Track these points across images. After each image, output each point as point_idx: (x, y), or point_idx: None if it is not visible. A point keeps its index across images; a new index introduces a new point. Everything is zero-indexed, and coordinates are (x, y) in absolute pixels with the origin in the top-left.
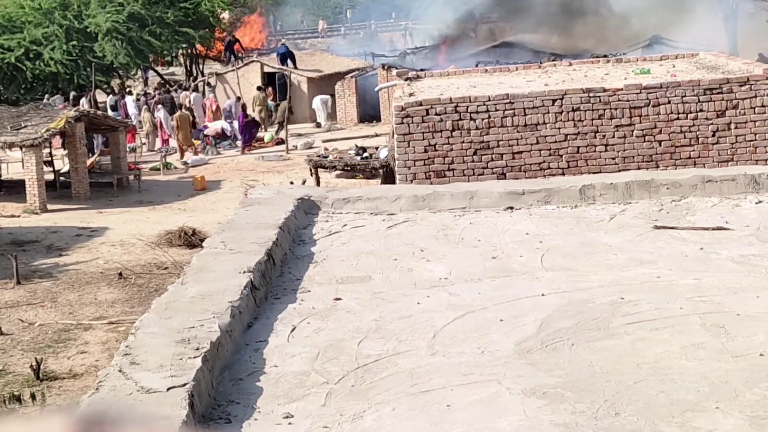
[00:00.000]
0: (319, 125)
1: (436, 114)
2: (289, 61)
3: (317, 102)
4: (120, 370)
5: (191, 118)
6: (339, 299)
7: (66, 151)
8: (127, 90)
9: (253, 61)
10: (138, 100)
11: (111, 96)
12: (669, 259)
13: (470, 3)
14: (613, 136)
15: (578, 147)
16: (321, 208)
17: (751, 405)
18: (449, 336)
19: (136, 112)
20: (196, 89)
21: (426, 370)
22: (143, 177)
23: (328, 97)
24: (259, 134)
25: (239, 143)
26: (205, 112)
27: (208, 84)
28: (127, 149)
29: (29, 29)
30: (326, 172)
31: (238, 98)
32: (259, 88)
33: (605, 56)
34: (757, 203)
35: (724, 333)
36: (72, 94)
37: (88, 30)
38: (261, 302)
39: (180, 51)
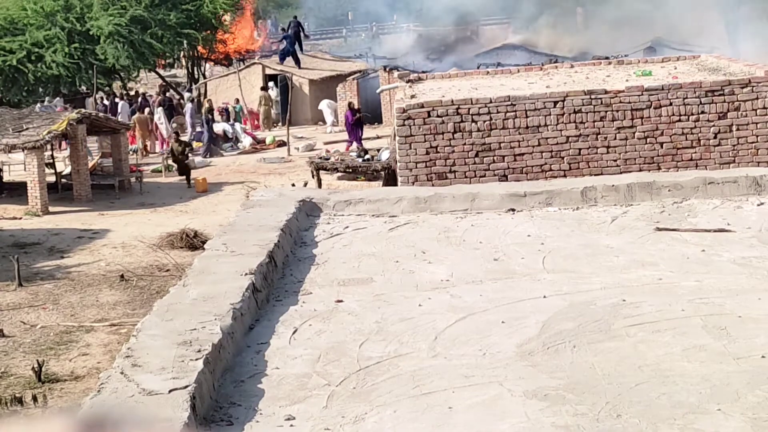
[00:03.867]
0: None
1: (438, 116)
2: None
3: (324, 105)
4: (122, 372)
5: (149, 121)
6: (340, 301)
7: (68, 153)
8: (127, 93)
9: (254, 63)
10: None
11: (105, 99)
12: (670, 261)
13: (472, 4)
14: (615, 138)
15: (580, 149)
16: (322, 210)
17: (752, 407)
18: (451, 338)
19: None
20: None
21: (427, 372)
22: (145, 179)
23: (336, 104)
24: (261, 136)
25: (240, 145)
26: (193, 118)
27: (189, 90)
28: (129, 151)
29: (31, 31)
30: (328, 174)
31: (237, 100)
32: (263, 88)
33: (606, 58)
34: (758, 205)
35: (725, 335)
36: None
37: (90, 33)
38: (262, 304)
39: (182, 53)
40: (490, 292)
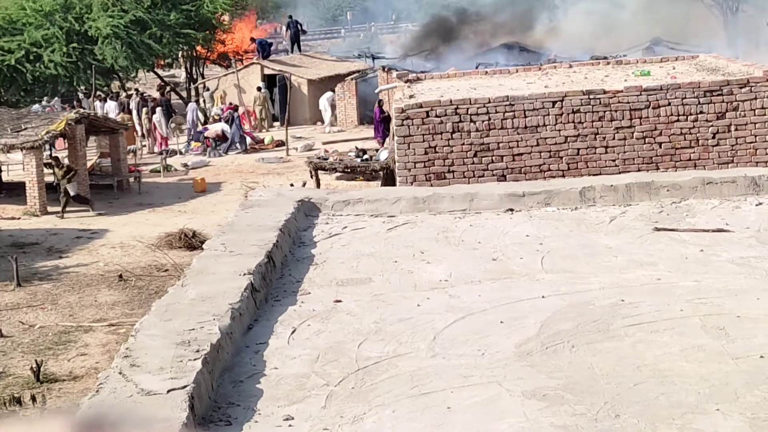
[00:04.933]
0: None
1: (437, 116)
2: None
3: (324, 102)
4: (120, 373)
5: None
6: (339, 301)
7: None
8: (110, 94)
9: (253, 63)
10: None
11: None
12: (669, 261)
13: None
14: (614, 138)
15: (578, 149)
16: (321, 210)
17: (751, 407)
18: (449, 338)
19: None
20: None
21: (426, 372)
22: (143, 179)
23: (332, 94)
24: (259, 136)
25: (239, 145)
26: (194, 118)
27: (207, 88)
28: (127, 151)
29: (29, 31)
30: (326, 174)
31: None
32: (259, 89)
33: (605, 58)
34: (757, 205)
35: (724, 335)
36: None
37: (89, 33)
38: (261, 304)
39: (180, 53)
40: (488, 292)
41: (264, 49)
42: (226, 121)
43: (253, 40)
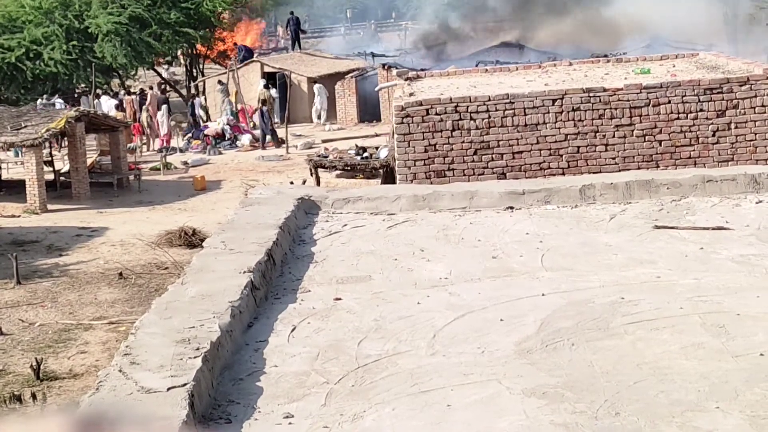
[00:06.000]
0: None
1: (437, 114)
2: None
3: (322, 97)
4: (120, 370)
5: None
6: (339, 299)
7: (66, 151)
8: (104, 90)
9: (253, 61)
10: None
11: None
12: (669, 259)
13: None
14: (614, 136)
15: (578, 147)
16: (321, 208)
17: (751, 405)
18: (449, 336)
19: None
20: (195, 91)
21: (426, 370)
22: (143, 177)
23: (322, 87)
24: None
25: (239, 143)
26: (199, 115)
27: (220, 82)
28: (126, 149)
29: (29, 29)
30: (326, 172)
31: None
32: (266, 87)
33: (605, 56)
34: (757, 203)
35: (724, 333)
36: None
37: (89, 30)
38: (261, 302)
39: (180, 51)
40: (488, 290)
41: (245, 57)
42: (262, 114)
43: (235, 45)
